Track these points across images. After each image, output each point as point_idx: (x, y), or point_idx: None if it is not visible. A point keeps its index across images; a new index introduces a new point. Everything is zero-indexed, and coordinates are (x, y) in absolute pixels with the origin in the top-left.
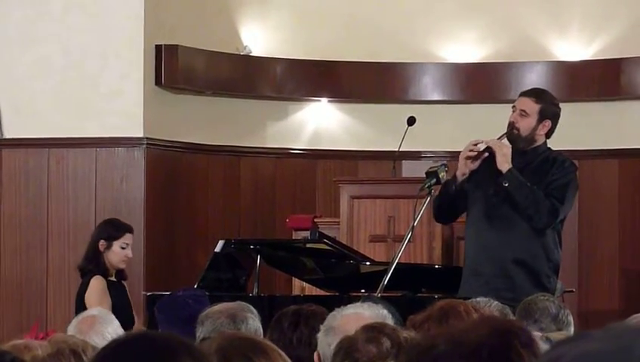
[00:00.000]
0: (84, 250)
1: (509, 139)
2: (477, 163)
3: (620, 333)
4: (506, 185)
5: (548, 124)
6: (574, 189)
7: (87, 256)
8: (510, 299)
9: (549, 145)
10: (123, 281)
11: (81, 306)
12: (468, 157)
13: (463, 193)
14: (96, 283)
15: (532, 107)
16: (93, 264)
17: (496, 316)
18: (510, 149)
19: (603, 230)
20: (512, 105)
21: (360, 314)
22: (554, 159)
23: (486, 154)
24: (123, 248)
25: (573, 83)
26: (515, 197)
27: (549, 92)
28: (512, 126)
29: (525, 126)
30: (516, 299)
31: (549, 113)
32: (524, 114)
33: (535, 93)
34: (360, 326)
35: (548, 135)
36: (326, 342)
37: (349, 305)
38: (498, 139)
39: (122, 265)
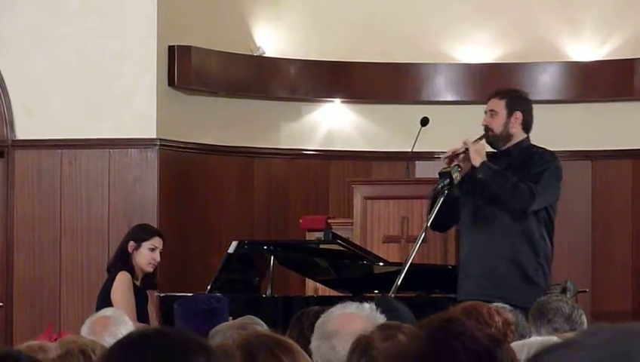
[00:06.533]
0: (114, 252)
1: (488, 143)
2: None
3: (611, 338)
4: (480, 176)
5: (519, 115)
6: (554, 176)
7: (116, 256)
8: (499, 296)
9: (533, 142)
10: (148, 291)
11: (104, 301)
12: (445, 158)
13: (455, 200)
14: (123, 278)
15: (498, 104)
16: (121, 263)
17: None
18: (484, 147)
19: (616, 230)
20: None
21: (351, 314)
22: (534, 153)
23: (462, 153)
24: (151, 250)
25: (587, 83)
26: (492, 186)
27: (515, 88)
28: (485, 128)
29: (497, 123)
30: (505, 296)
31: (516, 105)
32: (493, 113)
33: (498, 92)
34: (375, 327)
35: (526, 129)
36: (325, 347)
37: (333, 308)
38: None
39: (149, 268)
